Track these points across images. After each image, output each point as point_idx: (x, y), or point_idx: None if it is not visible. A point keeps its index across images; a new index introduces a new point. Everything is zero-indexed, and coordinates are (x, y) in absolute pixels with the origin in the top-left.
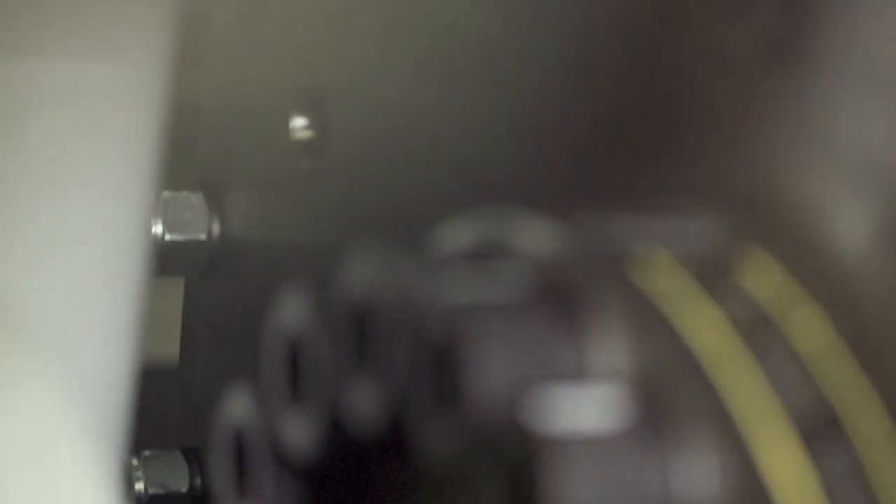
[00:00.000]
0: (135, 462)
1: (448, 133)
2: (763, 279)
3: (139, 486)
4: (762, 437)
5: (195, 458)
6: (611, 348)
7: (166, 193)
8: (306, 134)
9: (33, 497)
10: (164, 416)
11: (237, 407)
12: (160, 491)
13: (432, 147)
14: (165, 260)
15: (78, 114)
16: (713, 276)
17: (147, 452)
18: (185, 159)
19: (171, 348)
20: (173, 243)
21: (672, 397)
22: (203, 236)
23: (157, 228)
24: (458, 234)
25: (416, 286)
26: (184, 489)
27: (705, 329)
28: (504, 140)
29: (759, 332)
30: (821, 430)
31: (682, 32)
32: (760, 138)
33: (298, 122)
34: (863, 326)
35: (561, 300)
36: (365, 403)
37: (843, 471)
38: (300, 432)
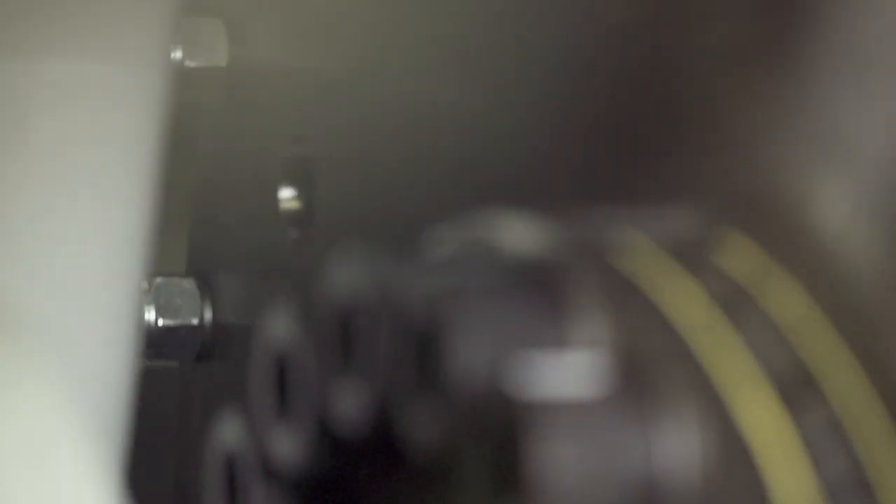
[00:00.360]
0: None
1: (438, 184)
2: (741, 259)
3: None
4: (742, 399)
5: None
6: (592, 323)
7: (158, 279)
8: (295, 205)
9: (33, 497)
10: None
11: (227, 431)
12: None
13: (428, 204)
14: (158, 345)
15: (78, 114)
16: (692, 257)
17: None
18: (177, 242)
19: None
20: (166, 328)
21: (653, 365)
22: (195, 321)
23: (150, 314)
24: (448, 238)
25: (398, 280)
26: None
27: (684, 301)
28: (504, 140)
29: (736, 303)
30: (799, 390)
31: (682, 32)
32: (759, 138)
33: (286, 193)
34: (862, 326)
35: (542, 281)
36: (352, 405)
37: (823, 427)
38: (291, 445)
